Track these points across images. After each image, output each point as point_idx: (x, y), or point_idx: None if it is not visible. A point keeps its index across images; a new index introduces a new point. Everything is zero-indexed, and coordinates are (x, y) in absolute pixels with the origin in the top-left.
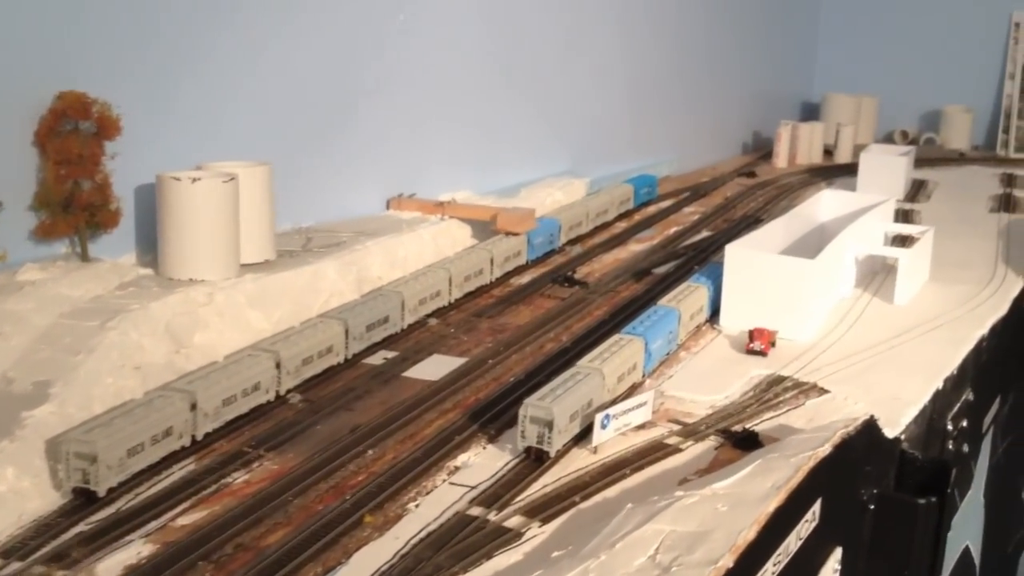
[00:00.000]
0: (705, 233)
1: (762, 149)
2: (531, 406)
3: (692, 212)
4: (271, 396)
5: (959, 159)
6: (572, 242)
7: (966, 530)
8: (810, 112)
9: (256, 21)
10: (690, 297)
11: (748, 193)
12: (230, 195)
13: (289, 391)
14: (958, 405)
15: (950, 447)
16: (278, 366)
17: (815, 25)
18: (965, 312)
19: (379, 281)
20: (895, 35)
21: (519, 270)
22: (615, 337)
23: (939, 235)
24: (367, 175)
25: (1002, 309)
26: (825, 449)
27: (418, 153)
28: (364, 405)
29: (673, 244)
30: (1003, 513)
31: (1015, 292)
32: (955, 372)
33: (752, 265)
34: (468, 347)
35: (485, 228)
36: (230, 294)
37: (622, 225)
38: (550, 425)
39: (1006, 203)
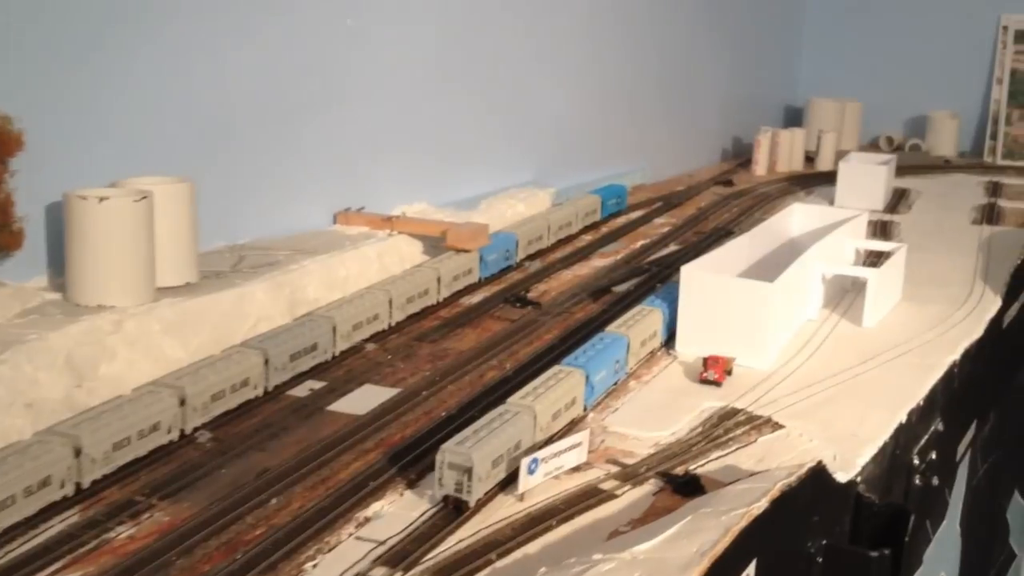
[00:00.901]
0: (673, 247)
1: (742, 156)
2: (449, 451)
3: (663, 224)
4: (174, 436)
5: (944, 166)
6: (532, 257)
7: (940, 562)
8: (793, 117)
9: (185, 23)
10: (642, 322)
11: (723, 203)
12: (143, 215)
13: (197, 429)
14: (926, 437)
15: (917, 482)
16: (182, 403)
17: (799, 28)
18: (936, 335)
19: (316, 303)
20: (881, 38)
21: (470, 289)
22: (553, 369)
23: (916, 250)
24: (313, 188)
25: (977, 332)
26: (761, 505)
27: (371, 163)
28: (279, 444)
29: (638, 259)
30: (984, 535)
31: (992, 313)
32: (922, 403)
33: (708, 288)
34: (403, 376)
35: (438, 244)
36: (142, 321)
37: (587, 238)
38: (469, 472)
39: (989, 214)
